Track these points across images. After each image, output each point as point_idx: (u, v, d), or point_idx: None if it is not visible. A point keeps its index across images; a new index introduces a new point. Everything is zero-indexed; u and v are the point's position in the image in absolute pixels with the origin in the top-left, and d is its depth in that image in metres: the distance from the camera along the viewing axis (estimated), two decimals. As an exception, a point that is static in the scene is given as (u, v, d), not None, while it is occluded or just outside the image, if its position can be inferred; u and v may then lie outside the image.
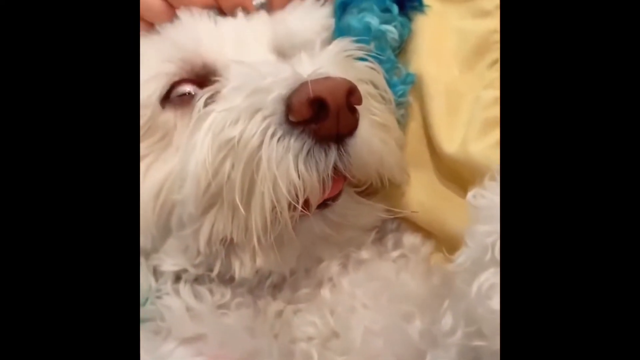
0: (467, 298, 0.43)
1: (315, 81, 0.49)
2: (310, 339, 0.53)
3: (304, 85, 0.49)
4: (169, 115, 0.57)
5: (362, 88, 0.53)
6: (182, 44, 0.57)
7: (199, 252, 0.55)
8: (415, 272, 0.56)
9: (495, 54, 0.57)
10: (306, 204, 0.51)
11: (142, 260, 0.58)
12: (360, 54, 0.56)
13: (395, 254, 0.59)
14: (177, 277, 0.58)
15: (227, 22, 0.60)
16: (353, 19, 0.59)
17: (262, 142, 0.50)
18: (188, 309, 0.56)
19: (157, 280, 0.59)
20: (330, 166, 0.50)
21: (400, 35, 0.60)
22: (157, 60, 0.57)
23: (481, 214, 0.43)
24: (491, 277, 0.40)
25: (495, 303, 0.39)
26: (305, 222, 0.53)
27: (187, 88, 0.57)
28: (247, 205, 0.51)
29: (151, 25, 0.61)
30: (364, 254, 0.58)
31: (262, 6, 0.61)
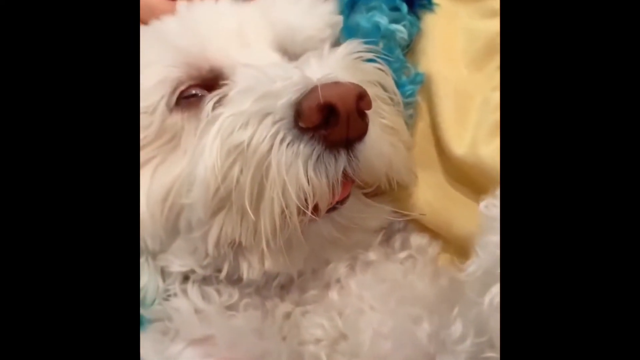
0: (477, 307, 0.43)
1: (325, 86, 0.48)
2: (318, 341, 0.54)
3: (313, 90, 0.48)
4: (176, 118, 0.56)
5: (371, 91, 0.53)
6: (187, 48, 0.57)
7: (207, 254, 0.55)
8: (423, 273, 0.57)
9: (504, 55, 0.57)
10: (315, 208, 0.51)
11: (149, 260, 0.58)
12: (370, 55, 0.55)
13: (402, 255, 0.59)
14: (185, 278, 0.59)
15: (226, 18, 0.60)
16: (362, 18, 0.58)
17: (271, 147, 0.49)
18: (196, 310, 0.56)
19: (164, 280, 0.59)
20: (340, 172, 0.50)
21: (409, 35, 0.60)
22: (161, 65, 0.56)
23: (493, 224, 0.43)
24: (503, 290, 0.40)
25: None
26: (313, 225, 0.53)
27: (194, 91, 0.56)
28: (256, 209, 0.51)
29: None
30: (372, 255, 0.58)
31: None
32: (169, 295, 0.58)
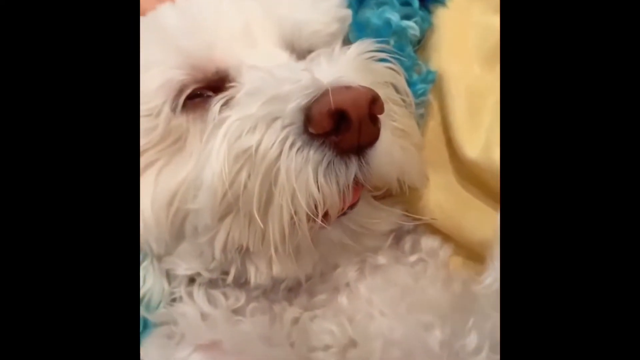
0: (493, 321, 0.42)
1: (337, 91, 0.47)
2: (327, 347, 0.53)
3: (324, 95, 0.47)
4: (181, 120, 0.54)
5: (383, 92, 0.51)
6: (191, 49, 0.54)
7: (213, 258, 0.54)
8: (435, 278, 0.56)
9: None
10: (324, 215, 0.50)
11: (154, 263, 0.57)
12: (382, 55, 0.53)
13: (413, 258, 0.58)
14: (191, 280, 0.58)
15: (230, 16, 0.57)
16: (372, 14, 0.56)
17: (280, 153, 0.48)
18: (202, 314, 0.55)
19: (170, 283, 0.58)
20: (351, 178, 0.49)
21: (421, 31, 0.58)
22: (164, 66, 0.54)
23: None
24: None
25: None
26: (323, 231, 0.52)
27: (199, 92, 0.55)
28: (264, 216, 0.49)
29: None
30: (381, 259, 0.57)
31: None
32: (174, 299, 0.57)
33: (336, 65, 0.51)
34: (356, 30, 0.58)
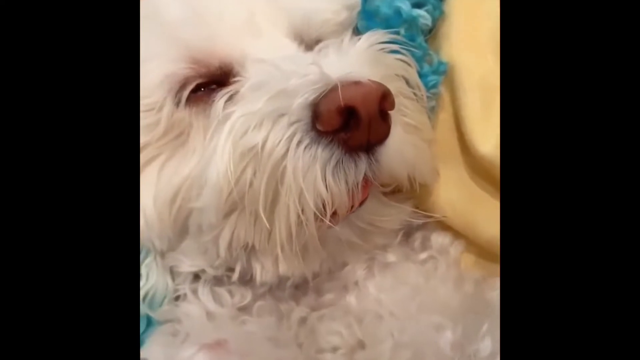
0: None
1: (346, 87, 0.45)
2: (335, 349, 0.52)
3: (333, 91, 0.45)
4: (184, 114, 0.53)
5: (394, 86, 0.49)
6: (194, 42, 0.52)
7: (218, 255, 0.53)
8: (446, 277, 0.54)
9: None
10: (333, 214, 0.48)
11: (157, 260, 0.56)
12: (393, 47, 0.51)
13: (423, 256, 0.56)
14: (196, 277, 0.56)
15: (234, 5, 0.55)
16: (382, 3, 0.54)
17: (287, 151, 0.46)
18: (207, 313, 0.54)
19: (174, 280, 0.56)
20: (361, 177, 0.47)
21: (432, 19, 0.55)
22: (166, 59, 0.52)
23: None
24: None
25: None
26: (330, 230, 0.50)
27: (202, 86, 0.53)
28: (271, 215, 0.48)
29: None
30: (391, 256, 0.56)
31: None
32: (179, 296, 0.56)
33: (345, 58, 0.49)
34: (365, 19, 0.55)
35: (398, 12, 0.53)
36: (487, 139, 0.52)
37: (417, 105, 0.52)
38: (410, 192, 0.54)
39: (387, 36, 0.51)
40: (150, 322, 0.56)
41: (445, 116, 0.56)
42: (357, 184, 0.47)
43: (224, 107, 0.50)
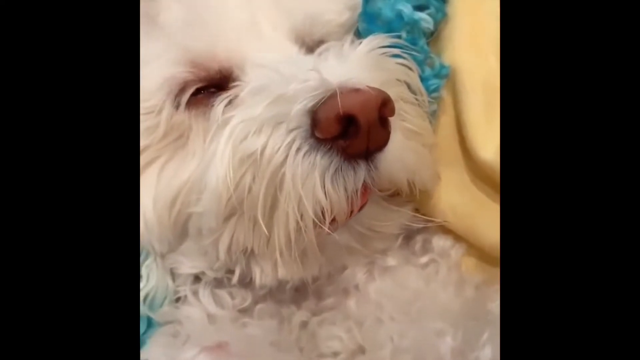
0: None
1: (345, 95, 0.44)
2: (336, 354, 0.52)
3: (332, 98, 0.44)
4: (183, 117, 0.52)
5: (395, 91, 0.49)
6: (193, 45, 0.52)
7: (218, 258, 0.53)
8: (447, 282, 0.54)
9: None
10: (332, 220, 0.48)
11: (157, 261, 0.56)
12: (395, 51, 0.50)
13: (424, 259, 0.56)
14: (196, 278, 0.56)
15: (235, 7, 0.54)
16: (384, 6, 0.53)
17: (286, 158, 0.46)
18: (208, 316, 0.54)
19: (174, 280, 0.56)
20: (360, 184, 0.47)
21: (435, 22, 0.55)
22: (165, 61, 0.52)
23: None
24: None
25: None
26: (329, 235, 0.50)
27: (202, 90, 0.52)
28: (269, 220, 0.48)
29: None
30: (391, 260, 0.55)
31: None
32: (179, 298, 0.56)
33: (346, 62, 0.48)
34: (366, 22, 0.55)
35: (400, 15, 0.53)
36: (489, 145, 0.52)
37: (418, 110, 0.52)
38: (410, 195, 0.54)
39: (389, 40, 0.50)
40: (150, 323, 0.56)
41: (446, 119, 0.55)
42: (356, 190, 0.47)
43: (224, 112, 0.50)
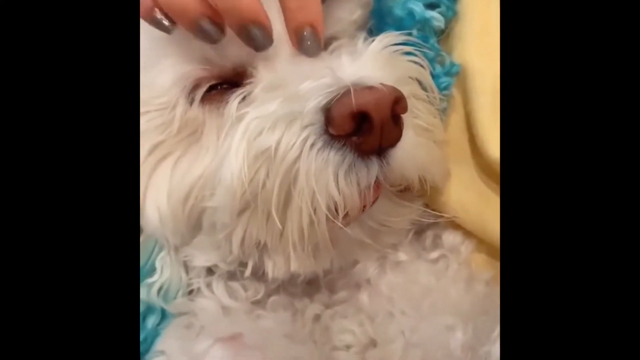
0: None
1: (359, 92, 0.45)
2: (348, 347, 0.53)
3: (346, 96, 0.45)
4: (197, 112, 0.53)
5: (407, 89, 0.49)
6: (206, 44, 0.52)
7: (231, 252, 0.54)
8: (457, 277, 0.55)
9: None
10: (345, 215, 0.49)
11: (171, 254, 0.57)
12: (407, 49, 0.51)
13: (434, 254, 0.57)
14: (209, 271, 0.57)
15: None
16: (395, 5, 0.54)
17: (300, 154, 0.47)
18: (223, 308, 0.55)
19: (187, 273, 0.57)
20: (373, 180, 0.47)
21: (445, 20, 0.55)
22: (178, 58, 0.53)
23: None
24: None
25: None
26: (341, 230, 0.51)
27: (216, 86, 0.53)
28: (283, 215, 0.49)
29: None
30: (402, 255, 0.56)
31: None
32: (192, 290, 0.57)
33: (359, 60, 0.49)
34: (377, 19, 0.56)
35: (411, 13, 0.53)
36: (498, 144, 0.52)
37: (429, 107, 0.53)
38: (421, 191, 0.55)
39: (401, 38, 0.51)
40: (164, 314, 0.57)
41: (456, 117, 0.56)
42: (369, 186, 0.48)
43: (238, 108, 0.50)
